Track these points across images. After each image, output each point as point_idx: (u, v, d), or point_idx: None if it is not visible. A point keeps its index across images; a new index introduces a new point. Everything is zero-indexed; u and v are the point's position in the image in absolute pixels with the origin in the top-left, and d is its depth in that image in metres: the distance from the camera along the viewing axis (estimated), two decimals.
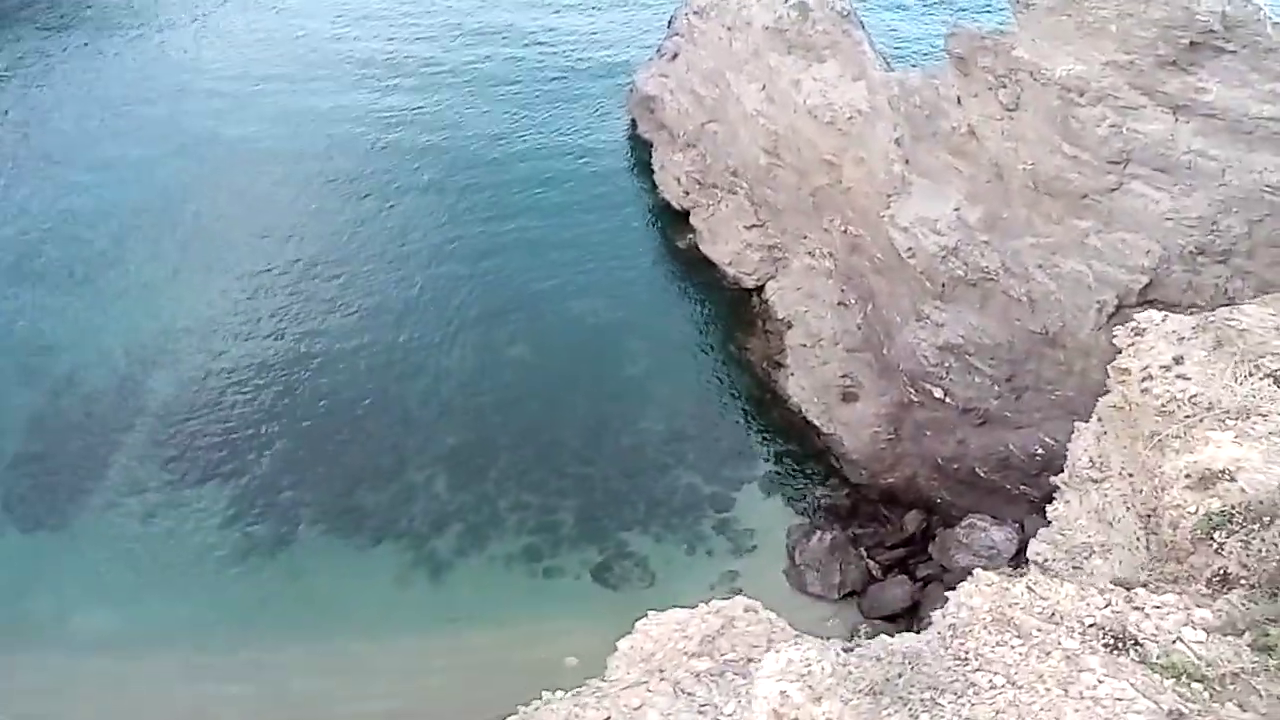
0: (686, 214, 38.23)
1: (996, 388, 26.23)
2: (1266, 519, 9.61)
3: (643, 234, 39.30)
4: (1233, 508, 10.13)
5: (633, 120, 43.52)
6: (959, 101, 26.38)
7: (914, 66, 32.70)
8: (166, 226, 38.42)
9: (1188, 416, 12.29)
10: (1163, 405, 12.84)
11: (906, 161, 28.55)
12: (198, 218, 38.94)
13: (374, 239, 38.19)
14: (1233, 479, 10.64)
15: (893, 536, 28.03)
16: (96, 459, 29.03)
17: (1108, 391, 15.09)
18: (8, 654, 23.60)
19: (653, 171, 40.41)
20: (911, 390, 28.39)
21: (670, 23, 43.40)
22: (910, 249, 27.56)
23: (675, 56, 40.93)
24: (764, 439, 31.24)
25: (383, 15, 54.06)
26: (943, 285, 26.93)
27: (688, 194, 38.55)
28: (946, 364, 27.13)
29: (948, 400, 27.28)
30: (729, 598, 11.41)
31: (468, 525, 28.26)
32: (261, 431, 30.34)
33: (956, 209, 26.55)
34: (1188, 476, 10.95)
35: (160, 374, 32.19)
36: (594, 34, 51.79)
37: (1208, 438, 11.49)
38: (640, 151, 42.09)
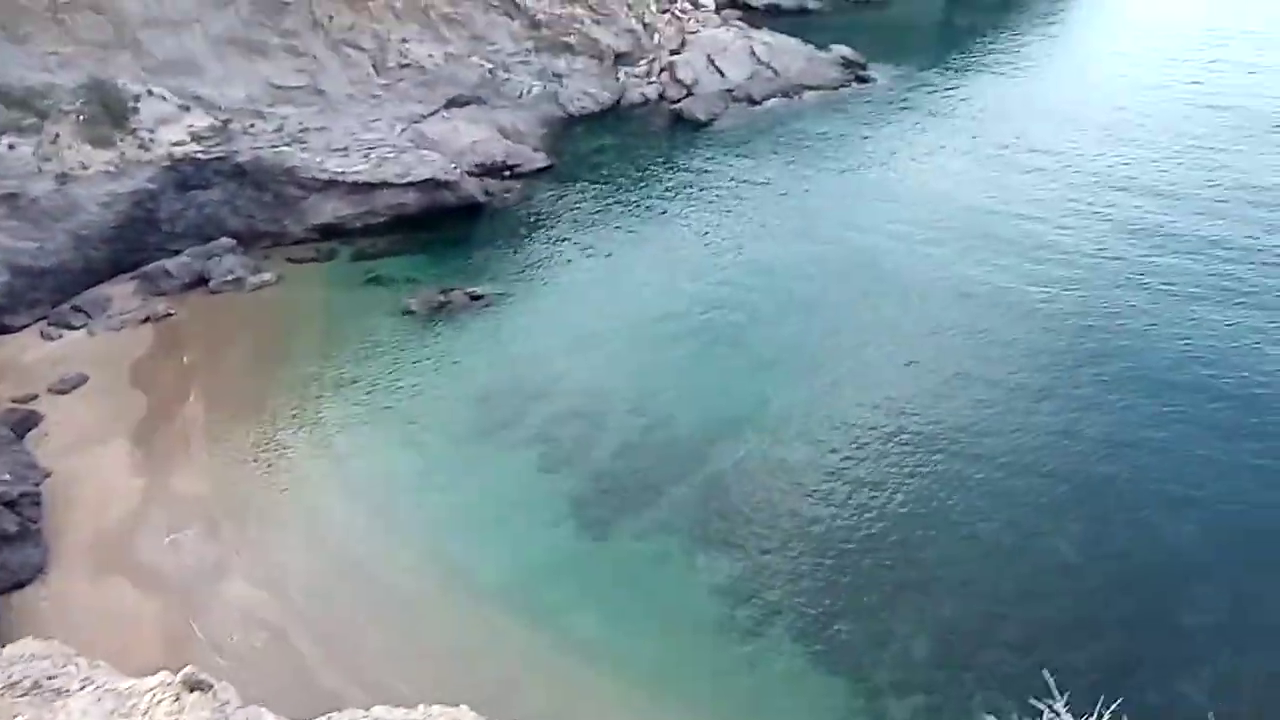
0: None
1: None
2: None
3: None
4: None
5: None
6: None
7: None
8: (840, 317, 42.64)
9: None
10: None
11: None
12: (864, 327, 42.11)
13: (1034, 389, 37.65)
14: None
15: None
16: (652, 492, 33.09)
17: None
18: (501, 615, 28.60)
19: None
20: None
21: None
22: None
23: None
24: None
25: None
26: None
27: None
28: None
29: None
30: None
31: (929, 703, 26.05)
32: (808, 535, 31.04)
33: None
34: None
35: (750, 439, 35.20)
36: None
37: None
38: None
